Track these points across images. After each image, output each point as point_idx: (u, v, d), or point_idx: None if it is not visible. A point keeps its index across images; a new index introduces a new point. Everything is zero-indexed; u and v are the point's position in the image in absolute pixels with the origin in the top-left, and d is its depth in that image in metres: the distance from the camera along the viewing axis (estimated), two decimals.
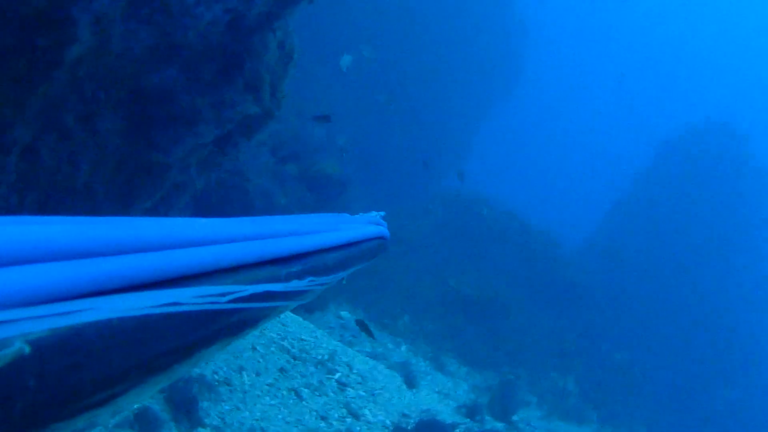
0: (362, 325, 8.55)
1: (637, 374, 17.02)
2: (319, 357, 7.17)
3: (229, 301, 0.78)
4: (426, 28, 20.23)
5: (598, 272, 20.60)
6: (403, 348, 11.58)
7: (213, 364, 5.90)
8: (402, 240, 15.85)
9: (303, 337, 7.39)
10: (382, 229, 1.90)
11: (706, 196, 22.13)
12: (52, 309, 0.52)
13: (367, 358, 8.71)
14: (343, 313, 11.80)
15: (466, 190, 19.10)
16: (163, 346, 0.66)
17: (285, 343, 6.99)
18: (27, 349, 0.47)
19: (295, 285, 1.02)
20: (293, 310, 8.22)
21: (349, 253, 1.43)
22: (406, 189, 19.59)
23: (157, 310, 0.63)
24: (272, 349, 6.71)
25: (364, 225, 1.79)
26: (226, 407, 5.43)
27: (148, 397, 5.22)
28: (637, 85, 53.21)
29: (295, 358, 6.80)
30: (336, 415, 6.32)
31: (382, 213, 2.11)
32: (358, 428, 6.52)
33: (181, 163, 5.66)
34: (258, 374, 6.10)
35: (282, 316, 7.60)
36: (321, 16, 15.55)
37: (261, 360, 6.37)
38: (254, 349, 6.44)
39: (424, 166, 16.32)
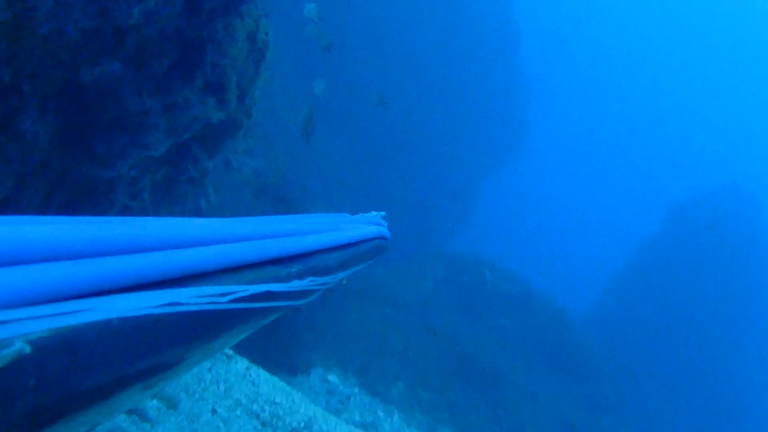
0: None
1: None
2: (294, 424, 6.08)
3: (230, 301, 0.76)
4: (427, 88, 19.72)
5: (604, 341, 19.57)
6: (396, 417, 10.45)
7: (161, 426, 4.87)
8: (398, 301, 14.89)
9: (276, 400, 6.30)
10: (383, 230, 1.86)
11: (717, 263, 21.15)
12: (52, 309, 0.50)
13: (353, 427, 7.59)
14: (331, 377, 10.74)
15: (468, 251, 18.28)
16: (163, 346, 0.62)
17: (254, 407, 5.92)
18: (27, 349, 0.45)
19: (295, 285, 1.01)
20: (270, 370, 7.18)
21: (349, 253, 1.42)
22: (404, 245, 18.65)
23: (158, 310, 0.61)
24: (237, 412, 5.64)
25: (365, 225, 1.77)
26: None
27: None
28: (647, 147, 52.84)
29: (263, 425, 5.72)
30: None
31: (383, 213, 2.09)
32: None
33: (131, 184, 4.72)
34: None
35: (253, 374, 6.57)
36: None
37: (221, 425, 5.30)
38: (214, 412, 5.38)
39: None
